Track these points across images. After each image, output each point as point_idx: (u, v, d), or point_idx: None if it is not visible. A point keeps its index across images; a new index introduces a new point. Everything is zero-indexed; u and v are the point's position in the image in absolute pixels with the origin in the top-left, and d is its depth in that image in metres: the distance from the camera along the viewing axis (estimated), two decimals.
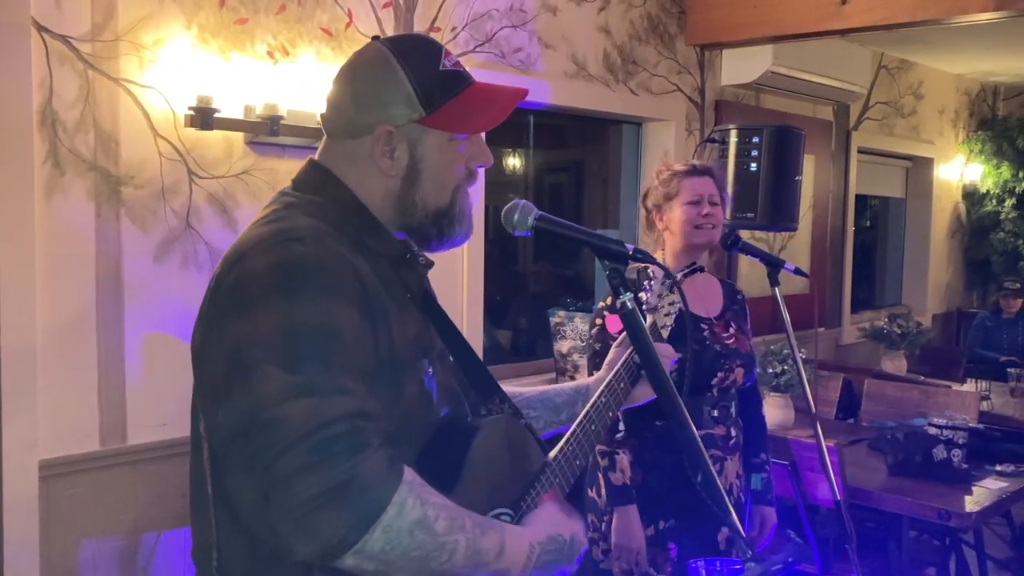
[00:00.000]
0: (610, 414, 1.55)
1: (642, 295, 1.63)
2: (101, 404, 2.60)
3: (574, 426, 1.47)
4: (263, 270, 1.15)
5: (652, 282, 1.68)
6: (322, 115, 1.35)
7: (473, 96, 1.31)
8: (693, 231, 2.46)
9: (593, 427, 1.49)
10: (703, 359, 2.44)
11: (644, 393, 1.61)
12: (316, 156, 1.35)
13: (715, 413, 2.46)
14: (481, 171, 1.39)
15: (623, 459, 2.36)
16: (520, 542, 1.23)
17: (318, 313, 1.12)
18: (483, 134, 1.36)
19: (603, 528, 2.44)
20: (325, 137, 1.35)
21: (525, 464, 1.37)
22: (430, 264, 1.38)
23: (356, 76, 1.31)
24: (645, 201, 2.59)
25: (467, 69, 1.34)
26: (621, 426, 2.37)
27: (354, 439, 1.07)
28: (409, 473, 1.12)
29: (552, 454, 1.41)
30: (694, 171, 2.51)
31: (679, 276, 2.37)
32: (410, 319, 1.28)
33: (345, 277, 1.17)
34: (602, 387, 1.56)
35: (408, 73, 1.26)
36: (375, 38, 1.33)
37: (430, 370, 1.30)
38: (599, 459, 2.39)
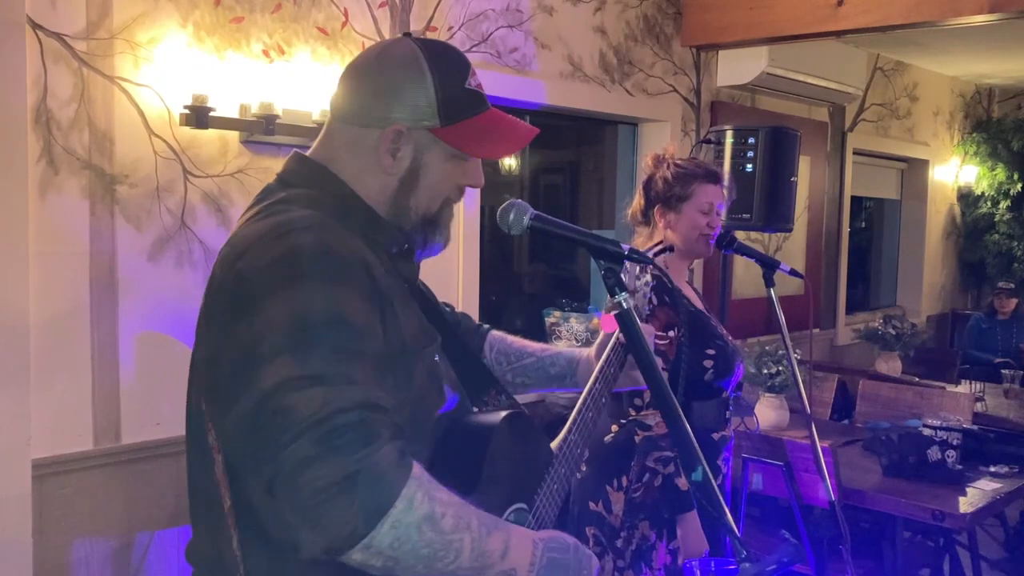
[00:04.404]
0: (603, 400, 1.54)
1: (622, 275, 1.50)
2: (95, 403, 2.59)
3: (574, 414, 1.47)
4: (269, 262, 1.13)
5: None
6: (333, 96, 1.33)
7: (489, 121, 1.31)
8: (699, 240, 2.44)
9: (591, 415, 1.49)
10: (727, 352, 2.39)
11: (632, 380, 1.60)
12: (308, 151, 1.33)
13: (727, 414, 2.44)
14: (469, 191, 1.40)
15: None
16: (524, 541, 1.20)
17: (327, 301, 1.10)
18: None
19: (620, 544, 2.29)
20: (326, 125, 1.34)
21: (536, 456, 1.38)
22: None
23: (382, 67, 1.29)
24: (647, 190, 2.49)
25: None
26: None
27: (364, 430, 1.04)
28: (417, 468, 1.08)
29: (555, 444, 1.42)
30: (713, 177, 2.44)
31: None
32: (412, 309, 1.27)
33: (352, 265, 1.15)
34: (595, 374, 1.53)
35: (435, 79, 1.26)
36: (406, 35, 1.32)
37: (436, 358, 1.30)
38: (660, 467, 2.22)
